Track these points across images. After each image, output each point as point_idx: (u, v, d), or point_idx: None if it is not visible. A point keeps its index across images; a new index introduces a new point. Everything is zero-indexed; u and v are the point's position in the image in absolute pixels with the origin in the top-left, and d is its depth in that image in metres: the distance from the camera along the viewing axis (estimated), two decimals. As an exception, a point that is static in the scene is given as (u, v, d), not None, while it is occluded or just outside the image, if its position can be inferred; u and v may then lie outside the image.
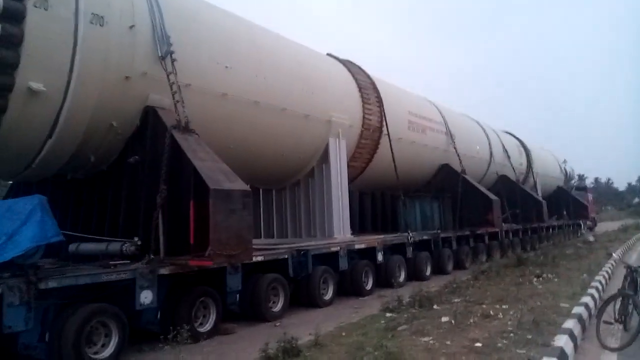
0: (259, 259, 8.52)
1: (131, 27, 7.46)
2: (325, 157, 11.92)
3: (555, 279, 11.37)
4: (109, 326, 6.32)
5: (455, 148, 17.73)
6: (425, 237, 14.29)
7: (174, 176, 7.24)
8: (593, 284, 9.96)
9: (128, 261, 7.07)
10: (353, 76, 13.37)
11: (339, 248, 10.52)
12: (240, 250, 6.84)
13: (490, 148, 21.74)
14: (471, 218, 17.03)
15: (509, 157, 23.37)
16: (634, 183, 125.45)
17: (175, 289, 7.36)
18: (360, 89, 13.28)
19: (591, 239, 25.42)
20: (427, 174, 17.64)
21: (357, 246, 11.26)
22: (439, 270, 14.60)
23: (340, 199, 11.99)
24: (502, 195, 21.30)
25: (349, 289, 11.03)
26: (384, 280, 12.21)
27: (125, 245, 7.24)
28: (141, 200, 7.51)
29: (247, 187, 7.26)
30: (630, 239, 25.52)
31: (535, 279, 11.50)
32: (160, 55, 7.75)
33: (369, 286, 11.35)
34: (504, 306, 8.21)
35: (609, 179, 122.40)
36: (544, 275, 11.89)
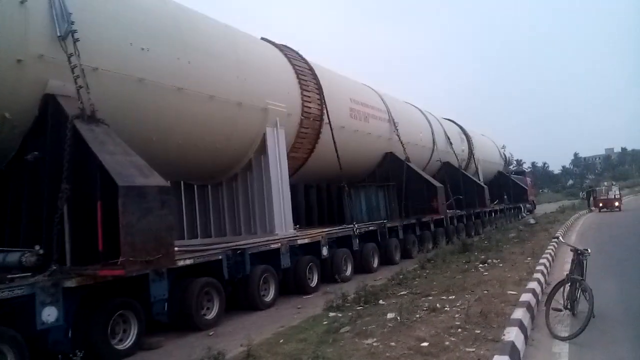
0: (188, 262, 7.71)
1: (22, 2, 6.37)
2: (262, 148, 11.15)
3: (501, 264, 11.24)
4: (4, 353, 5.35)
5: (398, 136, 17.44)
6: (371, 228, 13.88)
7: (79, 173, 6.28)
8: (538, 267, 9.83)
9: (29, 274, 6.08)
10: (290, 62, 12.65)
11: (279, 245, 9.84)
12: (160, 254, 6.00)
13: (433, 135, 21.70)
14: (417, 206, 16.83)
15: (451, 143, 23.48)
16: (567, 166, 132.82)
17: (88, 303, 6.44)
18: (298, 75, 12.59)
19: (532, 221, 26.14)
20: (372, 163, 17.25)
21: (299, 241, 10.62)
22: (386, 261, 14.27)
23: (280, 192, 11.29)
24: (446, 182, 21.39)
25: (292, 287, 10.39)
26: (331, 276, 11.68)
27: (25, 255, 6.22)
28: (44, 203, 6.49)
29: (165, 182, 6.41)
30: (568, 220, 26.47)
31: (480, 265, 11.32)
32: (59, 35, 6.71)
33: (314, 283, 10.76)
34: (450, 297, 7.85)
35: (544, 163, 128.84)
36: (489, 260, 11.75)
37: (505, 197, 31.61)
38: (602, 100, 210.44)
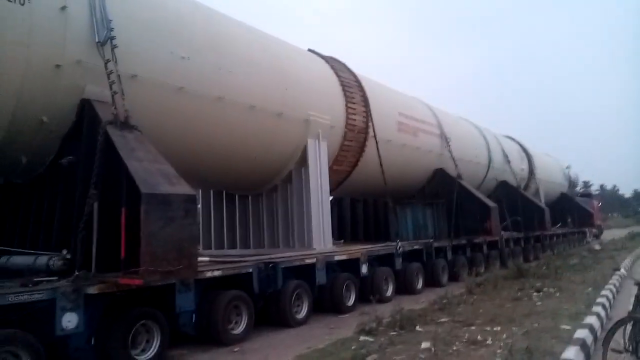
0: (217, 273, 7.49)
1: (63, 7, 6.49)
2: (303, 159, 10.89)
3: (557, 294, 10.28)
4: (20, 358, 5.30)
5: (450, 151, 16.67)
6: (416, 247, 13.22)
7: (108, 179, 6.25)
8: (599, 300, 8.87)
9: (55, 278, 6.07)
10: (336, 73, 12.38)
11: (315, 260, 9.46)
12: (182, 265, 5.80)
13: (489, 152, 20.66)
14: (468, 226, 15.92)
15: (509, 162, 22.26)
16: (639, 190, 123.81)
17: (111, 311, 6.35)
18: (343, 86, 12.28)
19: (597, 247, 24.27)
20: (421, 179, 16.57)
21: (337, 257, 10.20)
22: (432, 282, 13.50)
23: (320, 206, 10.94)
24: (502, 202, 20.27)
25: (328, 305, 9.95)
26: (370, 295, 11.16)
27: (53, 259, 6.24)
28: (75, 207, 6.50)
29: (191, 191, 6.23)
30: (638, 248, 24.34)
31: (535, 294, 10.41)
32: (98, 40, 6.78)
33: (350, 302, 10.27)
34: (495, 328, 7.13)
35: (614, 186, 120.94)
36: (545, 289, 10.79)
37: (569, 220, 29.64)
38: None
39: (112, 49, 6.80)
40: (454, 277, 14.38)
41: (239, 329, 7.76)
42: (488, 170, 20.51)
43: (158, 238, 5.61)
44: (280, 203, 11.30)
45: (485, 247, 16.72)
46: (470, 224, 15.88)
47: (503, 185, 21.59)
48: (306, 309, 9.06)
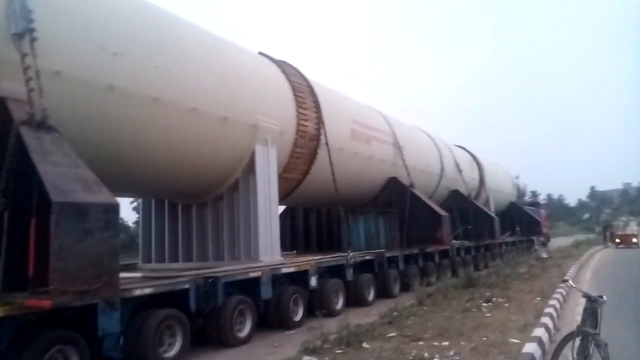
0: (147, 291, 6.85)
1: (-29, -6, 5.78)
2: (251, 167, 10.39)
3: (506, 304, 10.21)
4: None
5: (403, 160, 16.60)
6: (368, 258, 12.92)
7: (19, 186, 5.55)
8: (547, 309, 8.81)
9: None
10: (287, 77, 11.98)
11: (260, 273, 8.95)
12: (100, 283, 5.18)
13: (441, 162, 20.82)
14: (420, 235, 15.84)
15: (460, 171, 22.54)
16: (584, 199, 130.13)
17: (24, 335, 5.61)
18: (294, 91, 11.89)
19: (544, 255, 24.84)
20: (374, 188, 16.39)
21: (284, 270, 9.72)
22: (384, 293, 13.25)
23: (268, 216, 10.45)
24: (454, 211, 20.43)
25: (274, 321, 9.45)
26: (320, 308, 10.76)
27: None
28: (-18, 218, 5.74)
29: (113, 200, 5.61)
30: (582, 255, 25.17)
31: (484, 304, 10.29)
32: (14, 32, 6.09)
33: (298, 316, 9.80)
34: (444, 343, 6.86)
35: (560, 195, 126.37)
36: (494, 299, 10.71)
37: (518, 229, 30.38)
38: (621, 134, 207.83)
39: (31, 42, 6.11)
40: (406, 288, 14.19)
41: (173, 351, 7.11)
42: (440, 179, 20.65)
43: (71, 253, 4.98)
44: (226, 213, 10.71)
45: (437, 257, 16.69)
46: (422, 233, 15.81)
47: (455, 195, 21.80)
48: (249, 326, 8.52)
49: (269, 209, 10.50)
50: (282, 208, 17.77)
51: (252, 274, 8.77)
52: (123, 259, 14.63)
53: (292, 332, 9.18)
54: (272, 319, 9.44)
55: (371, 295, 12.51)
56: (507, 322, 8.08)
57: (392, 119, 17.71)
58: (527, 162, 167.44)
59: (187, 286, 7.43)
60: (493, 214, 23.92)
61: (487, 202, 26.43)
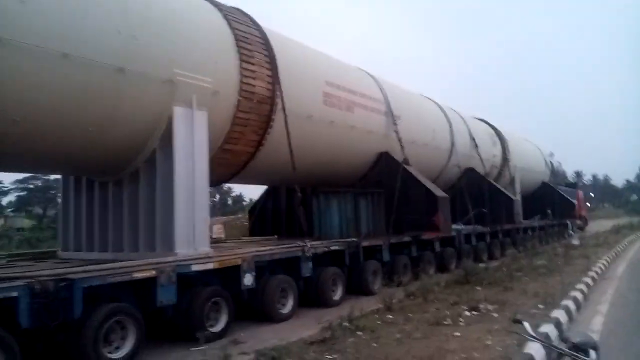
0: None
1: None
2: (169, 134, 8.22)
3: (495, 314, 7.73)
4: None
5: (396, 132, 14.04)
6: (335, 248, 10.58)
7: None
8: (544, 328, 6.29)
9: None
10: (229, 24, 9.60)
11: (153, 273, 6.78)
12: None
13: (451, 135, 18.01)
14: (413, 220, 13.34)
15: (476, 146, 19.65)
16: (632, 180, 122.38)
17: None
18: (238, 41, 9.54)
19: (576, 242, 21.82)
20: (361, 165, 13.93)
21: (195, 267, 7.52)
22: (359, 289, 10.94)
23: (191, 196, 8.28)
24: (465, 192, 17.80)
25: (183, 333, 7.30)
26: (262, 314, 8.63)
27: None
28: None
29: None
30: (620, 243, 21.93)
31: (466, 313, 7.84)
32: None
33: (218, 327, 7.61)
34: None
35: (606, 176, 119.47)
36: (482, 305, 8.20)
37: (549, 212, 27.19)
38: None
39: None
40: (395, 281, 11.74)
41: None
42: (450, 155, 17.90)
43: None
44: (143, 192, 8.60)
45: (437, 245, 14.20)
46: (416, 218, 13.29)
47: (469, 173, 19.05)
48: (130, 346, 6.34)
49: (192, 188, 8.32)
50: (264, 188, 15.70)
51: (139, 274, 6.60)
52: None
53: (203, 347, 6.96)
54: (181, 331, 7.30)
55: (338, 294, 10.21)
56: (476, 349, 5.63)
57: (387, 83, 15.10)
58: (570, 141, 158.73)
59: (14, 294, 5.34)
60: (514, 196, 21.00)
61: (511, 182, 23.43)
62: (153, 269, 6.77)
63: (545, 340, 3.83)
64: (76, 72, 6.81)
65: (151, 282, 6.78)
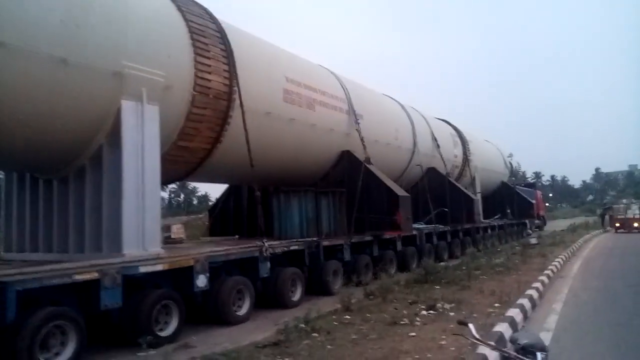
0: None
1: None
2: (117, 129, 7.81)
3: (452, 312, 7.68)
4: None
5: (358, 130, 13.94)
6: (295, 248, 10.39)
7: None
8: (497, 327, 6.28)
9: None
10: (183, 16, 9.25)
11: (96, 275, 6.40)
12: None
13: (414, 135, 18.09)
14: (375, 219, 13.28)
15: (438, 146, 19.83)
16: (588, 181, 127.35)
17: None
18: (192, 34, 9.20)
19: (533, 241, 22.30)
20: (323, 164, 13.76)
21: (143, 269, 7.17)
22: (319, 290, 10.77)
23: (140, 194, 7.88)
24: (427, 192, 17.93)
25: (130, 338, 6.92)
26: (215, 316, 8.33)
27: None
28: None
29: None
30: (577, 241, 22.60)
31: (424, 313, 7.77)
32: None
33: (169, 331, 7.27)
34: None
35: (564, 177, 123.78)
36: (440, 304, 8.16)
37: (509, 211, 27.83)
38: (627, 115, 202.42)
39: None
40: (355, 282, 11.62)
41: None
42: (413, 155, 17.98)
43: None
44: (89, 190, 8.14)
45: (399, 244, 14.20)
46: (377, 217, 13.24)
47: (431, 173, 19.19)
48: (71, 352, 5.94)
49: (142, 185, 7.93)
50: (224, 187, 15.36)
51: (80, 276, 6.21)
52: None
53: (151, 353, 6.64)
54: (127, 336, 6.94)
55: (297, 295, 10.00)
56: (430, 349, 5.54)
57: (349, 82, 14.99)
58: (529, 142, 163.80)
59: None
60: (475, 196, 21.31)
61: (472, 182, 23.79)
62: (96, 270, 6.39)
63: (492, 343, 3.73)
64: (13, 62, 6.36)
65: (95, 284, 6.40)
